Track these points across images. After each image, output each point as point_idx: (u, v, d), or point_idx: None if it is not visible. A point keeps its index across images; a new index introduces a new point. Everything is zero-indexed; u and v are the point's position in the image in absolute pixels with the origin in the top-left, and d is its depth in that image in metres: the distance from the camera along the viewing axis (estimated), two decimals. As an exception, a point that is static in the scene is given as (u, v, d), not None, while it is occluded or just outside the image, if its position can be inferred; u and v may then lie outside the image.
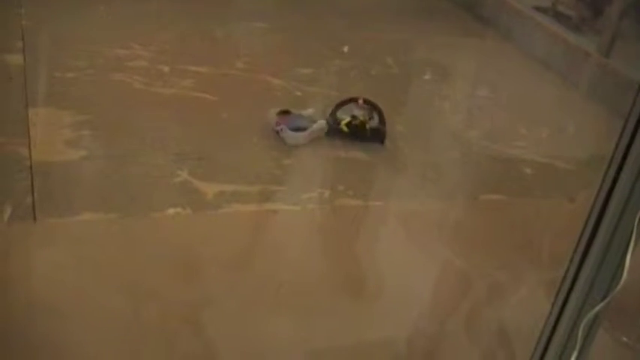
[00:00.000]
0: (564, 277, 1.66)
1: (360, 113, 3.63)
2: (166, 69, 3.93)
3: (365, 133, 3.58)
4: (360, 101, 3.67)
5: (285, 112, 3.57)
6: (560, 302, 1.67)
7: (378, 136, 3.60)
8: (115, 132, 3.30)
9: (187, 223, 2.81)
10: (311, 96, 3.96)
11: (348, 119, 3.59)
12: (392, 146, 3.62)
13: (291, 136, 3.45)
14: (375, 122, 3.63)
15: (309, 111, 3.65)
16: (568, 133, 4.14)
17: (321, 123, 3.56)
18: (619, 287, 1.54)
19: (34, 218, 2.65)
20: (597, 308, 1.59)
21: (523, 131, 4.03)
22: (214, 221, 2.84)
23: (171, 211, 2.82)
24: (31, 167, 2.92)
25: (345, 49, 4.72)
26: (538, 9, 5.56)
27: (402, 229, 3.01)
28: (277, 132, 3.47)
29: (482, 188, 3.41)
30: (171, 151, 3.21)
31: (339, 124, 3.58)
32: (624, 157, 1.47)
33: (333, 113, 3.64)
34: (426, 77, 4.55)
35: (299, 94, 3.95)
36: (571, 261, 1.64)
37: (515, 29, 5.42)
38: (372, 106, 3.66)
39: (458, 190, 3.40)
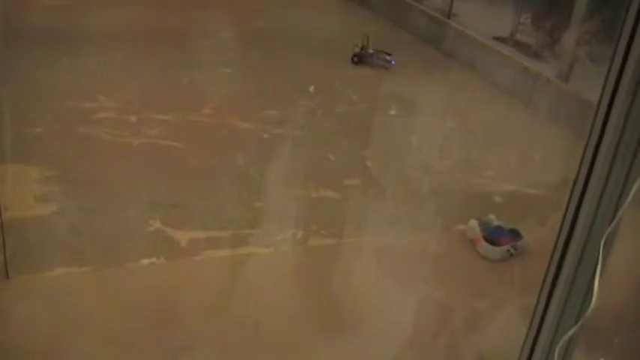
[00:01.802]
0: (537, 302, 1.68)
1: None
2: (133, 119, 3.94)
3: None
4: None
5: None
6: (535, 327, 1.69)
7: None
8: (85, 185, 3.29)
9: (162, 272, 2.80)
10: (278, 137, 3.99)
11: None
12: (362, 183, 3.65)
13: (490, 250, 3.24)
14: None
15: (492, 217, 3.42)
16: (535, 159, 4.20)
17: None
18: (590, 310, 1.56)
19: (7, 276, 2.62)
20: (571, 332, 1.61)
21: (491, 160, 4.08)
22: (189, 268, 2.84)
23: (145, 261, 2.82)
24: (1, 225, 2.90)
25: (311, 88, 4.77)
26: (498, 39, 5.67)
27: (377, 264, 3.03)
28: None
29: (454, 219, 3.43)
30: (142, 200, 3.21)
31: None
32: (587, 181, 1.51)
33: None
34: (392, 112, 4.60)
35: (266, 136, 3.98)
36: (543, 286, 1.66)
37: (477, 60, 5.51)
38: None
39: (430, 222, 3.43)
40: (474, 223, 3.30)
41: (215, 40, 5.58)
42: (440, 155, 4.07)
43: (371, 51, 5.09)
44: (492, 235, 3.26)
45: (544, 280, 1.65)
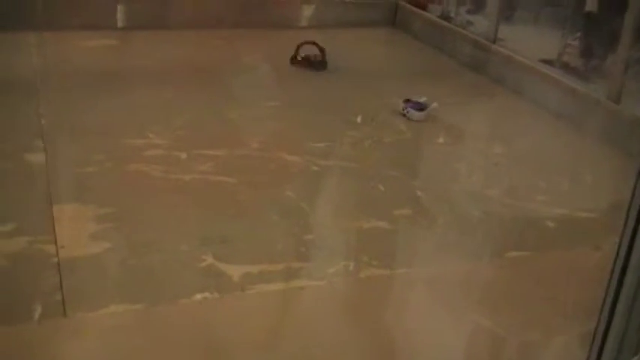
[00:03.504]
0: (596, 329, 1.64)
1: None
2: (183, 155, 3.99)
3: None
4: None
5: (407, 100, 4.86)
6: (594, 356, 1.65)
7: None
8: (138, 222, 3.34)
9: (215, 307, 2.82)
10: (327, 169, 4.01)
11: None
12: (412, 212, 3.63)
13: (416, 115, 4.76)
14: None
15: (424, 98, 4.90)
16: (587, 182, 4.14)
17: (435, 105, 4.87)
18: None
19: (64, 314, 2.67)
20: (633, 360, 1.57)
21: (542, 184, 4.04)
22: (242, 303, 2.85)
23: (198, 296, 2.84)
24: (58, 264, 2.95)
25: (358, 119, 4.79)
26: (545, 62, 5.63)
27: (430, 295, 3.00)
28: (404, 114, 4.80)
29: (506, 246, 3.40)
30: (194, 236, 3.24)
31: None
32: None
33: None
34: (440, 140, 4.59)
35: (315, 168, 4.00)
36: (601, 313, 1.63)
37: (523, 84, 5.48)
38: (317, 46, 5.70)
39: (482, 250, 3.40)
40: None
41: (260, 73, 5.64)
42: (490, 182, 4.04)
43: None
44: (415, 106, 4.83)
45: (602, 307, 1.62)
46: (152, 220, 3.36)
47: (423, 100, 4.93)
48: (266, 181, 3.83)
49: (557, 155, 4.52)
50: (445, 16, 7.05)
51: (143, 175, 3.77)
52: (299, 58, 5.76)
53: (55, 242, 3.09)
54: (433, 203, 3.74)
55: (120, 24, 6.46)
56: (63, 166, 3.81)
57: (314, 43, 5.75)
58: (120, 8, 6.45)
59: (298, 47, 5.75)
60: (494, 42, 6.00)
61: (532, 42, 6.28)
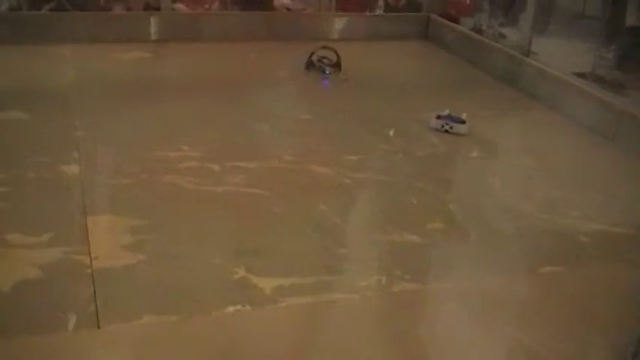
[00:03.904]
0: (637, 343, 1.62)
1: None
2: (216, 167, 4.01)
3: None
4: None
5: (438, 117, 4.84)
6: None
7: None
8: (172, 233, 3.36)
9: (247, 319, 2.82)
10: (359, 182, 4.00)
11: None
12: (445, 226, 3.62)
13: (462, 129, 4.76)
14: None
15: (447, 111, 4.89)
16: (622, 197, 4.10)
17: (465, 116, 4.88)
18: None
19: (98, 325, 2.68)
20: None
21: (576, 199, 4.00)
22: (274, 316, 2.85)
23: (231, 308, 2.84)
24: (92, 275, 2.98)
25: (391, 132, 4.78)
26: (579, 75, 5.59)
27: (464, 310, 2.98)
28: (447, 130, 4.75)
29: (540, 261, 3.37)
30: (227, 248, 3.25)
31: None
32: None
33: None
34: (474, 154, 4.56)
35: (347, 181, 3.99)
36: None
37: (557, 97, 5.44)
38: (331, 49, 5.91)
39: (516, 265, 3.37)
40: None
41: (291, 85, 5.67)
42: (523, 196, 4.00)
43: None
44: (442, 117, 4.80)
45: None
46: (185, 232, 3.37)
47: (446, 112, 4.89)
48: (298, 193, 3.84)
49: (592, 170, 4.47)
50: (477, 29, 7.04)
51: (176, 186, 3.79)
52: (313, 62, 5.92)
53: (89, 253, 3.12)
54: (466, 217, 3.72)
55: (153, 36, 6.53)
56: (97, 177, 3.84)
57: (328, 47, 5.94)
58: (153, 21, 6.51)
59: (312, 53, 5.93)
60: (527, 55, 5.97)
61: (566, 55, 6.24)
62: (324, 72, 5.84)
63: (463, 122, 4.81)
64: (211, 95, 5.24)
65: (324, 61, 5.91)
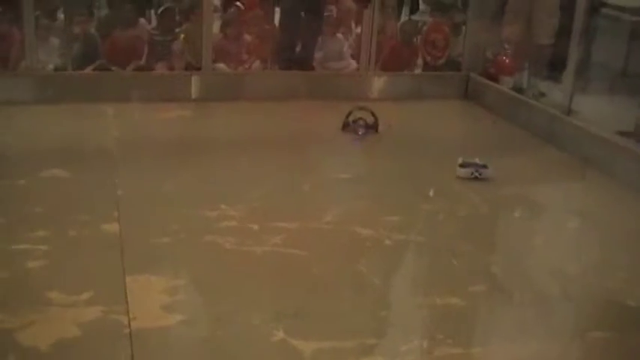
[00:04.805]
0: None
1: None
2: (256, 227, 3.99)
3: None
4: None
5: (462, 165, 4.94)
6: None
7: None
8: (210, 294, 3.34)
9: (287, 383, 2.77)
10: (400, 243, 3.96)
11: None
12: (487, 288, 3.55)
13: (489, 173, 4.87)
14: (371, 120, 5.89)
15: (477, 159, 4.99)
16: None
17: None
18: None
19: (136, 387, 2.66)
20: None
21: (623, 261, 3.91)
22: (314, 380, 2.80)
23: (270, 372, 2.80)
24: (130, 335, 2.96)
25: (431, 192, 4.74)
26: (622, 134, 5.51)
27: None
28: (477, 177, 4.85)
29: (588, 325, 3.28)
30: (266, 309, 3.21)
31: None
32: None
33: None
34: (516, 214, 4.50)
35: (388, 242, 3.95)
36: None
37: (600, 157, 5.36)
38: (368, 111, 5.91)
39: (561, 329, 3.29)
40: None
41: (331, 145, 5.67)
42: (568, 258, 3.92)
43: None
44: (466, 165, 4.91)
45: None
46: (224, 293, 3.35)
47: (460, 160, 4.97)
48: (339, 254, 3.80)
49: (638, 231, 4.38)
50: (517, 88, 7.02)
51: (216, 246, 3.78)
52: (350, 123, 5.88)
53: (128, 313, 3.10)
54: (509, 279, 3.65)
55: (194, 95, 6.60)
56: (137, 236, 3.84)
57: (364, 108, 5.92)
58: (194, 80, 6.60)
59: (349, 113, 5.90)
60: (568, 114, 5.92)
61: (608, 113, 6.19)
62: (357, 133, 5.83)
63: (486, 167, 4.90)
64: (251, 154, 5.26)
65: (360, 122, 5.90)
